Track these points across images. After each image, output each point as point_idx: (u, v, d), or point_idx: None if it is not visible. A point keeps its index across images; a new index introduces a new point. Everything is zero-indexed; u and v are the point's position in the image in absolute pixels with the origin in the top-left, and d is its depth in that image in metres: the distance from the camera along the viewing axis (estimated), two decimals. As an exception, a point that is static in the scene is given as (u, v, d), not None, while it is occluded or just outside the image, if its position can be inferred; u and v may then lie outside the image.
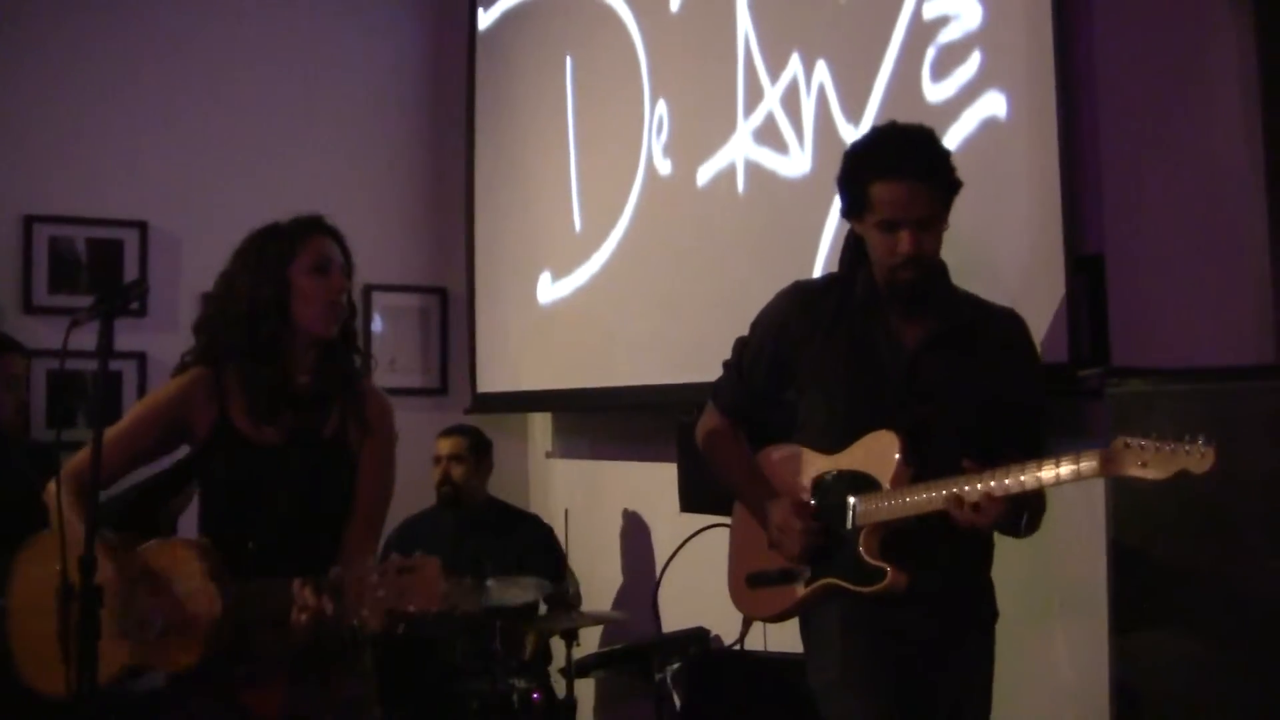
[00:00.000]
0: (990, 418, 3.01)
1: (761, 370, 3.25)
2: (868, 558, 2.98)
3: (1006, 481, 2.78)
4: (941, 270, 3.10)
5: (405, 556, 2.75)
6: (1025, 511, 2.92)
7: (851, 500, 3.02)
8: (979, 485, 2.80)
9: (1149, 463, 2.59)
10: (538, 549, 5.30)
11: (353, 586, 2.77)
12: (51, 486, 2.95)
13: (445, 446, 5.44)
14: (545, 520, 5.54)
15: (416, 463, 5.28)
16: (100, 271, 5.70)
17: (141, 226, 5.79)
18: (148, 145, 5.85)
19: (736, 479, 3.32)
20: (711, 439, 3.37)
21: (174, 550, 2.99)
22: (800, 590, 3.11)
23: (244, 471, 3.08)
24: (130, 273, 5.74)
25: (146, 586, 2.92)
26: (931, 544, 2.96)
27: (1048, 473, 2.75)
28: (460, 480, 5.40)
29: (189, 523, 3.18)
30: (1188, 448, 2.55)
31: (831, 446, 3.10)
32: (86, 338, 2.76)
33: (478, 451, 5.47)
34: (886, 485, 2.97)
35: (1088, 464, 2.69)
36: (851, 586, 3.01)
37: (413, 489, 5.16)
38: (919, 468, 2.96)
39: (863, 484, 3.02)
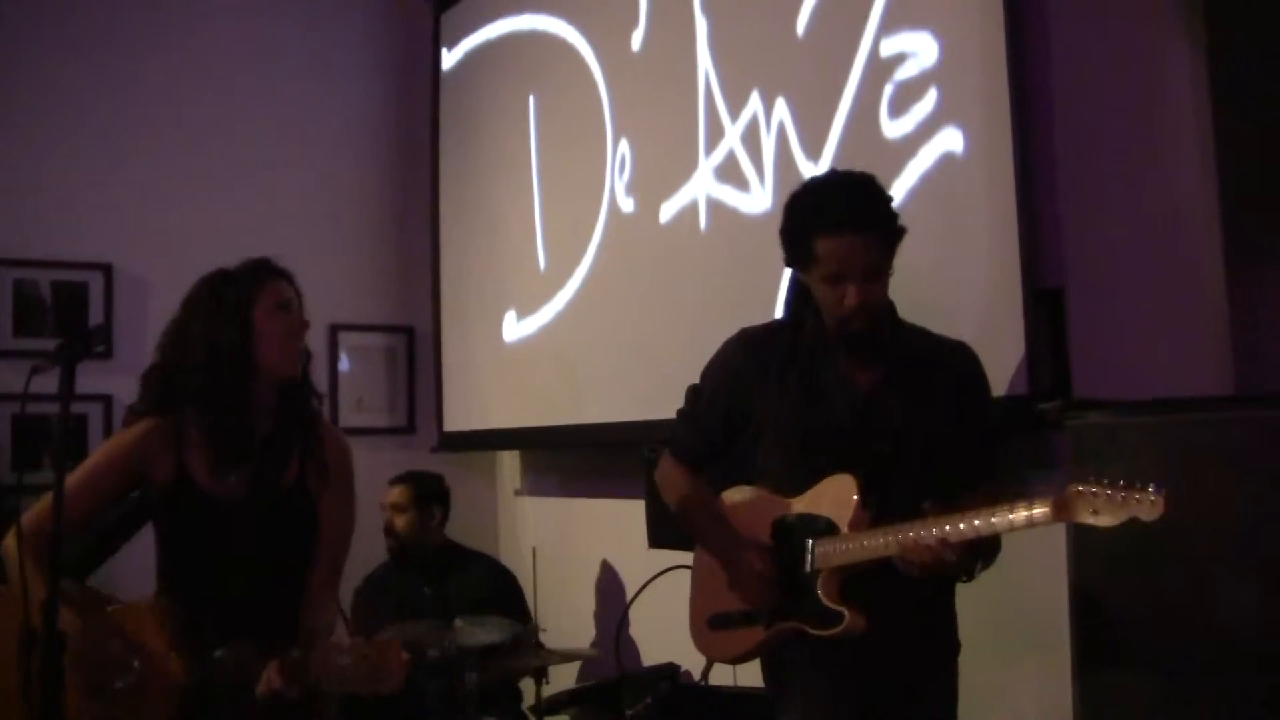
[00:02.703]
0: (945, 454, 3.01)
1: (715, 418, 3.25)
2: (826, 602, 2.98)
3: (961, 526, 2.78)
4: (889, 311, 3.10)
5: (367, 640, 2.74)
6: (980, 560, 2.93)
7: (810, 544, 3.02)
8: (934, 531, 2.80)
9: (1100, 510, 2.60)
10: (497, 592, 5.24)
11: (317, 668, 2.75)
12: (8, 541, 2.93)
13: (390, 495, 5.30)
14: (515, 558, 5.51)
15: (384, 503, 5.28)
16: (66, 314, 5.67)
17: (106, 269, 5.78)
18: (113, 188, 5.84)
19: (697, 524, 3.31)
20: (671, 487, 3.36)
21: (139, 614, 2.98)
22: (761, 633, 3.12)
23: (205, 526, 3.06)
24: (96, 315, 5.71)
25: (114, 648, 2.91)
26: (892, 585, 2.93)
27: (1001, 518, 2.75)
28: (403, 531, 5.24)
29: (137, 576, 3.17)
30: (1138, 495, 2.56)
31: (790, 490, 3.10)
32: (52, 381, 2.72)
33: (423, 501, 5.29)
34: (845, 529, 2.97)
35: (1040, 510, 2.69)
36: (811, 630, 3.00)
37: (380, 531, 5.17)
38: (878, 510, 2.96)
39: (822, 527, 3.01)
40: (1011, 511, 2.73)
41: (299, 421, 3.17)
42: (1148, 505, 2.56)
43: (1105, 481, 2.60)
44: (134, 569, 3.24)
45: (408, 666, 2.69)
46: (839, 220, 2.95)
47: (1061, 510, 2.65)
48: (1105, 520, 2.60)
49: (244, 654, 2.85)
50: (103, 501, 3.09)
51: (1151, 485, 2.56)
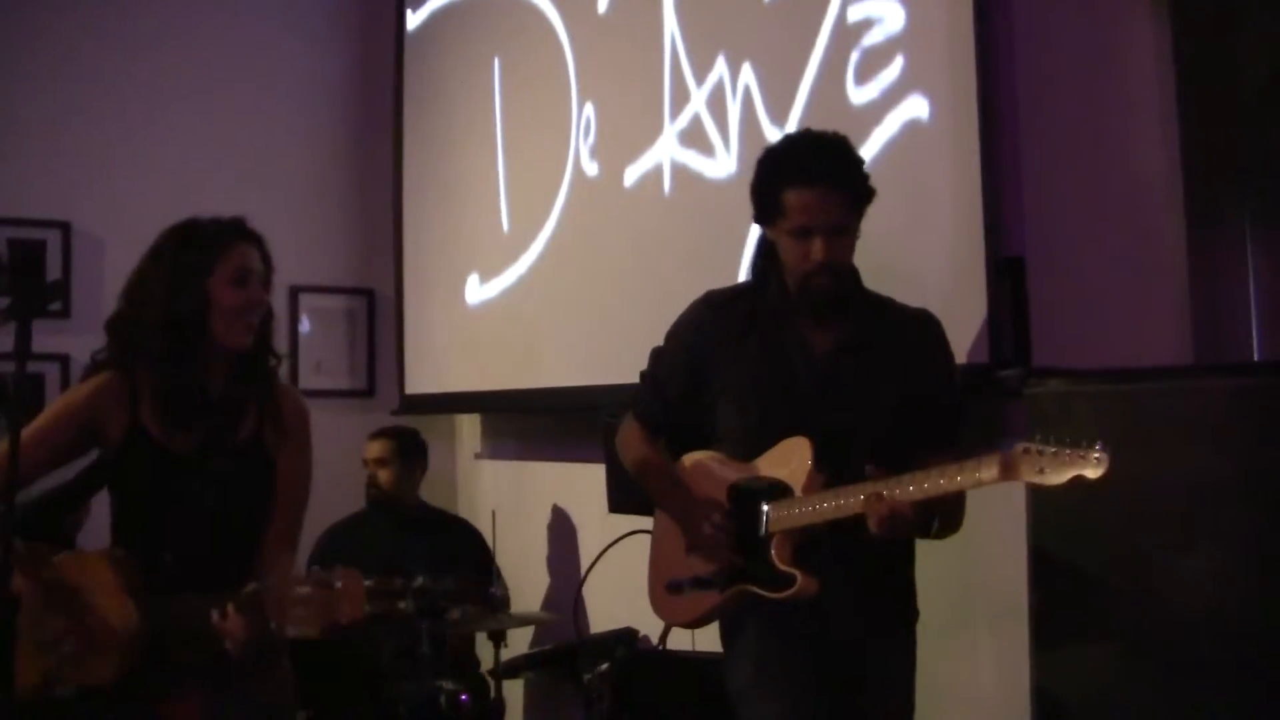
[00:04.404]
0: (904, 421, 3.02)
1: (677, 381, 3.26)
2: (779, 564, 2.99)
3: (910, 488, 2.78)
4: (854, 276, 3.12)
5: (326, 570, 2.73)
6: (935, 517, 2.94)
7: (764, 507, 3.03)
8: (884, 491, 2.80)
9: (1046, 469, 2.60)
10: (469, 554, 5.27)
11: (273, 599, 2.74)
12: None
13: (372, 450, 5.39)
14: (474, 522, 5.53)
15: (344, 465, 5.26)
16: (22, 272, 5.60)
17: (64, 227, 5.71)
18: (70, 145, 5.77)
19: (656, 487, 3.32)
20: (630, 449, 3.37)
21: (87, 562, 2.95)
22: (716, 596, 3.12)
23: (159, 479, 3.03)
24: (53, 273, 5.63)
25: (60, 600, 2.88)
26: (847, 549, 2.96)
27: (949, 479, 2.75)
28: (387, 485, 5.34)
29: (101, 531, 3.15)
30: (1083, 453, 2.57)
31: (747, 454, 3.11)
32: (6, 340, 2.69)
33: (406, 454, 5.40)
34: (799, 492, 2.98)
35: (987, 471, 2.69)
36: (764, 592, 3.01)
37: (339, 492, 5.15)
38: (833, 474, 2.96)
39: (776, 491, 3.02)
40: (960, 472, 2.73)
41: (254, 382, 3.14)
42: (1092, 463, 2.56)
43: (1051, 440, 2.60)
44: (101, 534, 3.21)
45: (368, 602, 2.68)
46: (809, 172, 2.97)
47: (1008, 469, 2.65)
48: (1051, 479, 2.59)
49: (198, 602, 2.83)
50: (56, 456, 3.05)
51: (1099, 444, 2.56)
